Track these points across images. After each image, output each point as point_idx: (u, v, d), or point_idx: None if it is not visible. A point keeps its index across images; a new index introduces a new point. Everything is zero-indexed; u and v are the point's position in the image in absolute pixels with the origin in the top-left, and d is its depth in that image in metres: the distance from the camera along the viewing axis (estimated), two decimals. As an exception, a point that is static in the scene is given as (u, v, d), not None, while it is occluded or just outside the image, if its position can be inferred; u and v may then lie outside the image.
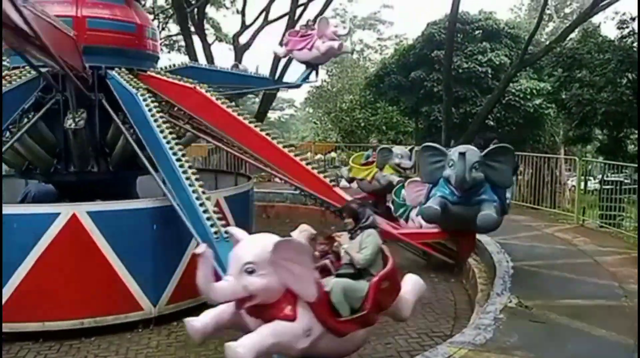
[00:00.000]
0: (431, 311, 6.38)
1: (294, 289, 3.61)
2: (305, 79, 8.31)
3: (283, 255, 3.54)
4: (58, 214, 5.53)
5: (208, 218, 5.32)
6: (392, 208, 8.95)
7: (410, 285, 4.54)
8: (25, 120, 6.41)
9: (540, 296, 5.33)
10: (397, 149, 10.34)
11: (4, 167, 7.43)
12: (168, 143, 5.96)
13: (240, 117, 6.75)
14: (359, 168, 10.60)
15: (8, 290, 5.45)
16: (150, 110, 6.24)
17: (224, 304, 3.77)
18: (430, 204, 5.89)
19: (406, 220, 8.07)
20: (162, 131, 6.02)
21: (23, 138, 6.27)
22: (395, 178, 9.46)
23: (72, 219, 5.53)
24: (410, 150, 10.29)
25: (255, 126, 6.81)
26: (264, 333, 3.52)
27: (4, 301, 5.36)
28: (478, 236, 7.80)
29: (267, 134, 6.84)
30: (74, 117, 6.17)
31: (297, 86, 8.80)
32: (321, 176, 6.77)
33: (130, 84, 6.53)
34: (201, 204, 5.43)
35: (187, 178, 5.65)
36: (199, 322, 3.79)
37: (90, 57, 6.36)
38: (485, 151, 5.78)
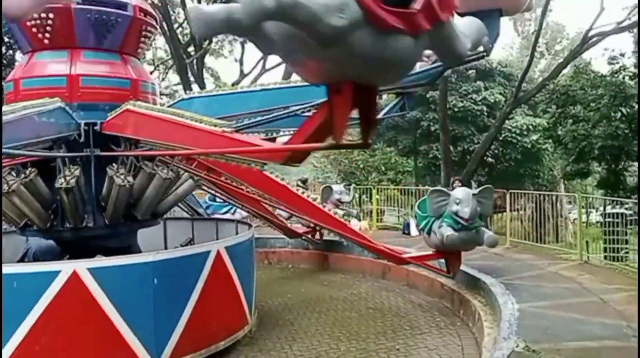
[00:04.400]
0: (438, 357, 6.27)
1: None
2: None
3: None
4: (59, 272, 5.51)
5: None
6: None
7: None
8: (23, 175, 6.43)
9: (547, 340, 5.24)
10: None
11: (4, 225, 7.42)
12: None
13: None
14: None
15: (8, 351, 5.37)
16: None
17: None
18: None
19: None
20: None
21: (20, 191, 6.29)
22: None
23: (72, 277, 5.50)
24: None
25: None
26: None
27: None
28: (482, 278, 7.80)
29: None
30: (65, 176, 6.21)
31: None
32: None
33: None
34: None
35: None
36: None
37: (86, 114, 6.50)
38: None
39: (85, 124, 6.54)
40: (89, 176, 6.64)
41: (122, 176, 6.39)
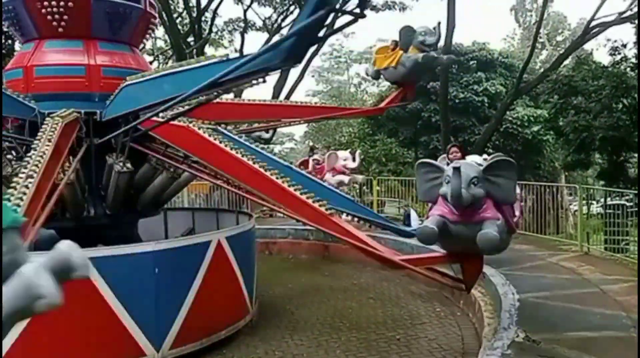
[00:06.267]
0: (438, 347, 6.30)
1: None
2: None
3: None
4: (59, 261, 5.51)
5: None
6: None
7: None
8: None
9: (547, 330, 5.26)
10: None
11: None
12: None
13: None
14: (383, 57, 9.09)
15: (9, 341, 5.36)
16: None
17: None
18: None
19: None
20: None
21: None
22: (420, 55, 8.15)
23: (73, 266, 5.51)
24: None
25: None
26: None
27: (4, 352, 5.30)
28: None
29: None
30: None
31: None
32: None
33: None
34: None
35: None
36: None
37: (85, 104, 6.52)
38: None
39: (85, 113, 6.54)
40: (89, 165, 6.64)
41: (121, 164, 6.40)
